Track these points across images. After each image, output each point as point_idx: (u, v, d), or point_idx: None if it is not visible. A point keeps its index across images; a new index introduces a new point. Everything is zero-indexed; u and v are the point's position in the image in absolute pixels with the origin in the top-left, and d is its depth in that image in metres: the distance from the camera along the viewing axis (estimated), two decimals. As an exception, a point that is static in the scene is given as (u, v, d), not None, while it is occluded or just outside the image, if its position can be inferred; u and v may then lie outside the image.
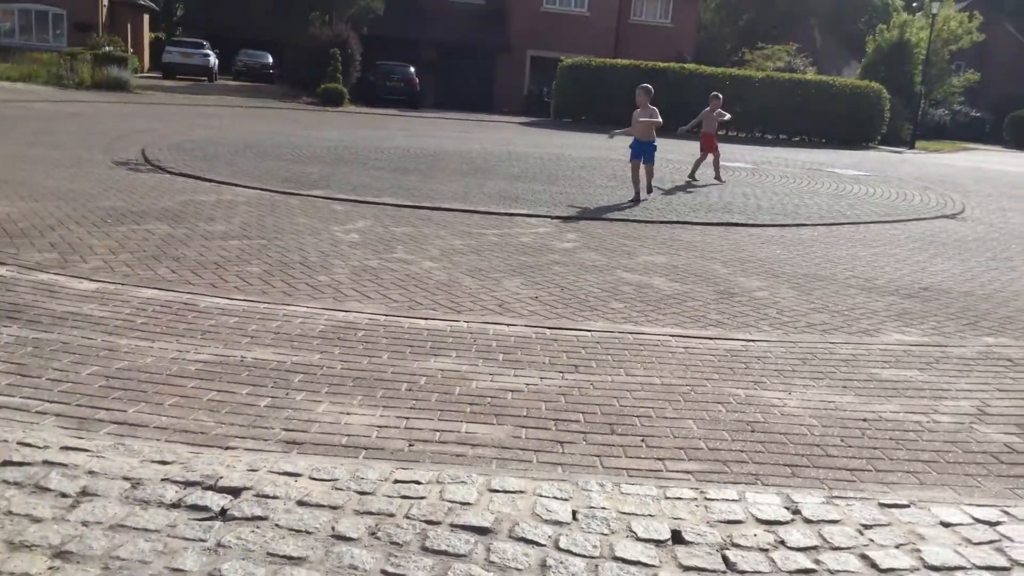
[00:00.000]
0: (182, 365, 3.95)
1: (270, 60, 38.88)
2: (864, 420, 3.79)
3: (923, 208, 12.40)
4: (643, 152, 11.23)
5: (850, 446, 3.48)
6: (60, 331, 4.30)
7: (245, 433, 3.25)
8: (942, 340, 5.35)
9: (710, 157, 14.21)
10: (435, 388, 3.87)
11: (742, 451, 3.37)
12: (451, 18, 38.88)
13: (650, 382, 4.14)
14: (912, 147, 32.22)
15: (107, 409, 3.38)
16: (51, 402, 3.41)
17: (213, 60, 35.35)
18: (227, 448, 3.09)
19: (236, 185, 10.11)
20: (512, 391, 3.90)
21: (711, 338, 5.03)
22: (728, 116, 14.89)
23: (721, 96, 14.68)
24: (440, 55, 38.16)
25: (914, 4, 51.03)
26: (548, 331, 4.94)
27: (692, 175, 14.00)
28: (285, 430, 3.31)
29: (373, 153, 14.75)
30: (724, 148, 22.08)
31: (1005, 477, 3.26)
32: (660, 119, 11.31)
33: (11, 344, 4.05)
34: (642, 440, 3.41)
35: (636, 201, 10.88)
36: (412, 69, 33.40)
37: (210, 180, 10.33)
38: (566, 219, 9.41)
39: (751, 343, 4.95)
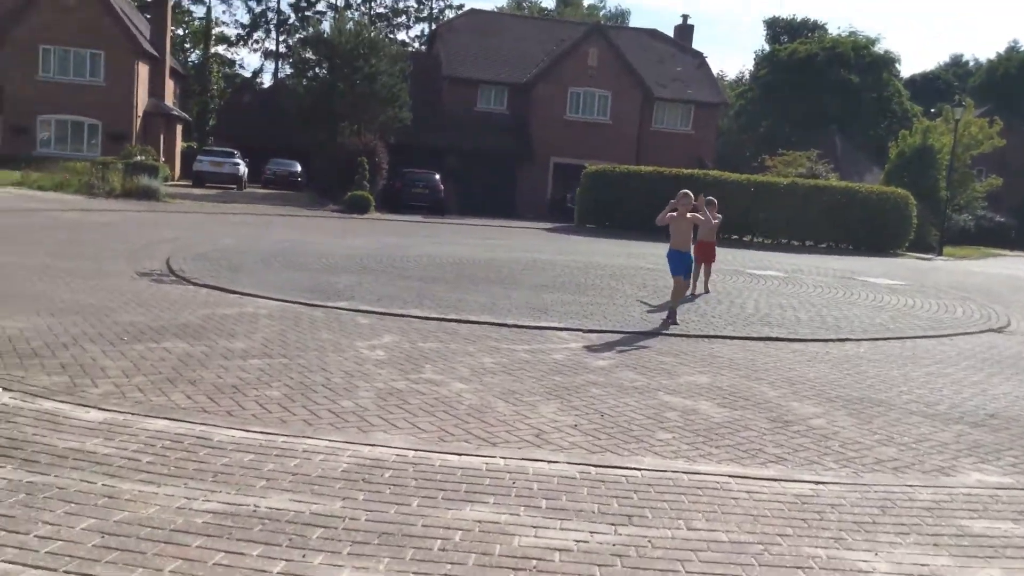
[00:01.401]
0: (188, 517, 3.52)
1: (299, 169, 39.64)
2: (969, 590, 3.27)
3: (967, 321, 11.91)
4: (684, 262, 10.00)
5: (962, 628, 2.96)
6: (58, 473, 3.90)
7: (255, 610, 2.80)
8: (1030, 481, 4.82)
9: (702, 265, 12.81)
10: (472, 547, 3.41)
11: (837, 637, 2.86)
12: (476, 126, 39.68)
13: (716, 539, 3.65)
14: (940, 253, 31.86)
15: (99, 576, 2.95)
16: (36, 567, 2.98)
17: (243, 169, 36.08)
18: (233, 632, 2.63)
19: (259, 297, 9.85)
20: (560, 550, 3.42)
21: (775, 479, 4.54)
22: (719, 218, 13.41)
23: (716, 201, 13.02)
24: (464, 162, 38.74)
25: (932, 111, 51.65)
26: (593, 470, 4.48)
27: (705, 288, 12.93)
28: (302, 606, 2.86)
29: (399, 262, 14.57)
30: (753, 255, 21.88)
31: None
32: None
33: (2, 490, 3.65)
34: (717, 620, 2.91)
35: (674, 321, 9.74)
36: (437, 176, 33.82)
37: (233, 292, 10.09)
38: (599, 332, 9.02)
39: (820, 487, 4.46)
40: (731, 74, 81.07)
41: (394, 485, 4.05)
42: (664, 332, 9.20)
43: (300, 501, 3.77)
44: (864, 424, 5.97)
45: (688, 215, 9.95)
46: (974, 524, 4.00)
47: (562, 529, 3.65)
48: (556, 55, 40.90)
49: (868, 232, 28.73)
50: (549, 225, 30.62)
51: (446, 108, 40.29)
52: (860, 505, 4.20)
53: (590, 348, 8.14)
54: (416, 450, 4.61)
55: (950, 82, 75.57)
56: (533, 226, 29.84)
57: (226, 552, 3.23)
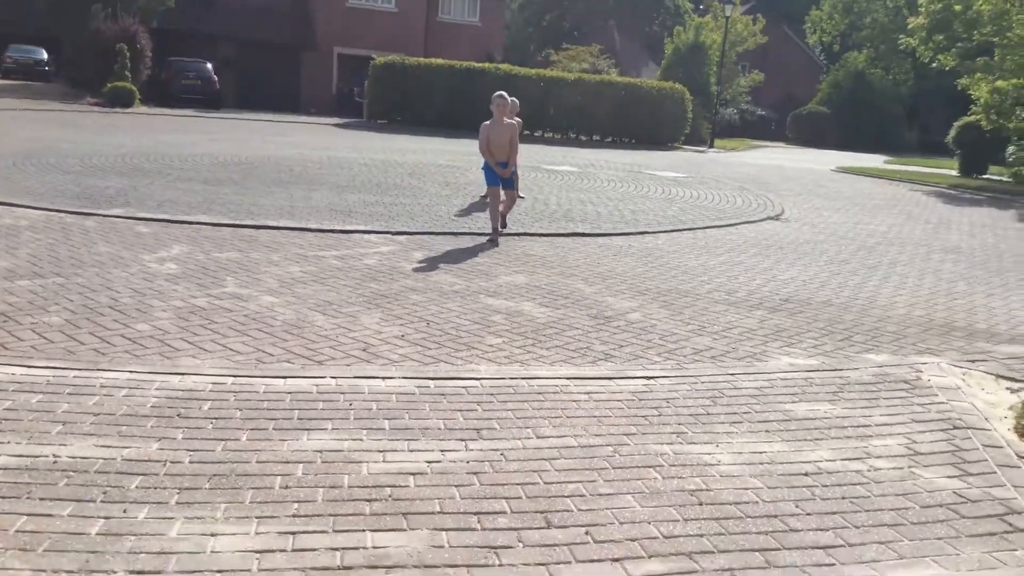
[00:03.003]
0: (-31, 479, 2.95)
1: (45, 56, 34.94)
2: (806, 475, 3.44)
3: (747, 210, 12.74)
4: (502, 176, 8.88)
5: (808, 513, 3.10)
6: None
7: (72, 584, 2.38)
8: (831, 362, 5.19)
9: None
10: (318, 480, 3.12)
11: (702, 536, 2.88)
12: (251, 13, 36.67)
13: (566, 445, 3.59)
14: (712, 146, 33.98)
15: None
16: None
17: (-25, 57, 31.31)
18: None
19: (16, 205, 8.60)
20: (413, 474, 3.22)
21: (609, 377, 4.56)
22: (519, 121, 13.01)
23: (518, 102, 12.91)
24: (240, 52, 35.84)
25: (701, 7, 54.11)
26: (431, 383, 4.27)
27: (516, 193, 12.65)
28: (132, 573, 2.46)
29: (176, 161, 13.30)
30: (542, 151, 22.13)
31: (978, 537, 2.99)
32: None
33: None
34: (587, 533, 2.85)
35: (494, 242, 8.59)
36: (210, 66, 31.09)
37: (-17, 200, 8.74)
38: (409, 234, 8.71)
39: (652, 382, 4.53)
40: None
41: (216, 419, 3.63)
42: (476, 232, 8.90)
43: (108, 446, 3.28)
44: (676, 315, 6.18)
45: (506, 120, 8.82)
46: (797, 408, 4.23)
47: (411, 451, 3.43)
48: (336, -64, 38.29)
49: (649, 126, 29.96)
50: (337, 120, 29.28)
51: (216, -9, 36.86)
52: (692, 397, 4.32)
53: (402, 251, 7.84)
54: (235, 376, 4.17)
55: (717, -20, 79.27)
56: (320, 121, 28.40)
57: (29, 515, 2.74)
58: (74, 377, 4.00)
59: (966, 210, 15.81)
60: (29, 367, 4.09)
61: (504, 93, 8.90)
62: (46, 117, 20.33)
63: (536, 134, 28.59)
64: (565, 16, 64.58)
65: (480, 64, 29.22)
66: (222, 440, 3.41)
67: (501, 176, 8.82)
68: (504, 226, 9.15)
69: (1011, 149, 21.84)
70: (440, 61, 28.80)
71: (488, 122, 8.83)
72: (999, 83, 20.41)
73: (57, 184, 10.13)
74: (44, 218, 8.14)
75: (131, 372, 4.12)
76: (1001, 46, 20.75)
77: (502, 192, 8.94)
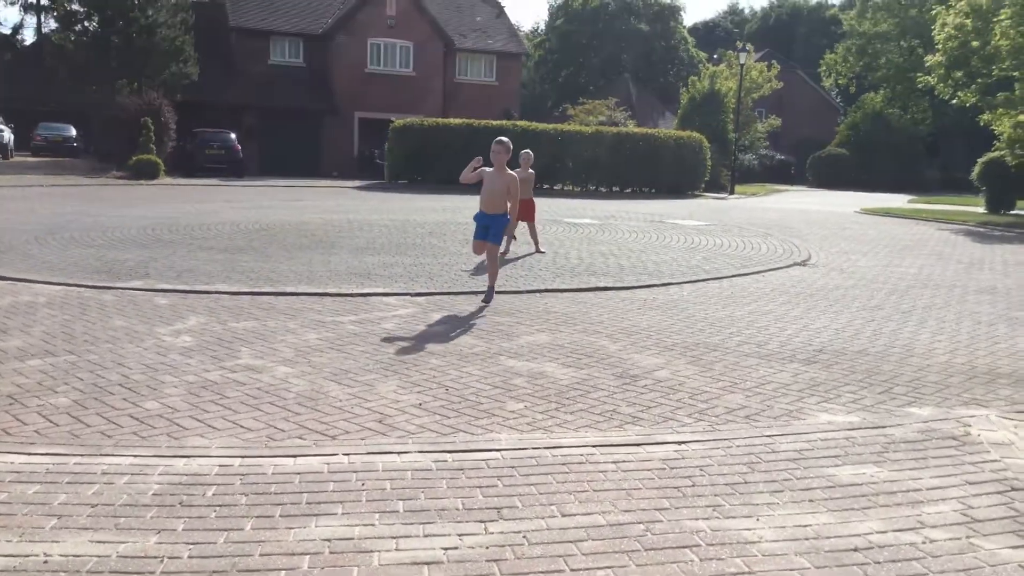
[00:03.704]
0: (-48, 586, 2.76)
1: (73, 133, 35.79)
2: (855, 550, 3.15)
3: (773, 257, 12.49)
4: (492, 228, 8.21)
5: (861, 596, 2.81)
6: None
7: None
8: (872, 418, 4.89)
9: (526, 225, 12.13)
10: (324, 575, 2.89)
11: (745, 628, 2.61)
12: (272, 81, 37.48)
13: (594, 524, 3.33)
14: (732, 192, 33.85)
15: None
16: None
17: (7, 135, 31.98)
18: None
19: (35, 282, 8.58)
20: (428, 563, 2.98)
21: (637, 444, 4.31)
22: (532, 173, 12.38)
23: (532, 154, 12.31)
24: (262, 120, 36.54)
25: (715, 57, 54.51)
26: (449, 456, 4.04)
27: (537, 248, 12.04)
28: None
29: (198, 231, 13.34)
30: (562, 204, 22.10)
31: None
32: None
33: None
34: (618, 628, 2.59)
35: (488, 300, 8.21)
36: (233, 135, 31.65)
37: (4, 278, 8.74)
38: (428, 295, 8.56)
39: (683, 447, 4.27)
40: (527, 25, 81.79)
41: (220, 506, 3.42)
42: (485, 302, 8.36)
43: (103, 542, 3.08)
44: (705, 371, 5.92)
45: (508, 171, 8.20)
46: (840, 472, 3.94)
47: (426, 536, 3.20)
48: (352, 4, 39.22)
49: (668, 175, 29.94)
50: (359, 183, 29.56)
51: (237, 62, 37.75)
52: (727, 463, 4.05)
53: (421, 313, 7.67)
54: (243, 457, 3.97)
55: (729, 29, 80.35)
56: (342, 184, 28.68)
57: (7, 627, 2.53)
58: (75, 464, 3.82)
59: (997, 248, 15.43)
60: (30, 454, 3.92)
61: (505, 139, 8.27)
62: (71, 192, 20.66)
63: (556, 187, 28.65)
64: (581, 71, 65.42)
65: (497, 122, 29.48)
66: (225, 531, 3.19)
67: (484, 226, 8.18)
68: (490, 297, 8.33)
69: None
70: (458, 120, 29.09)
71: (488, 168, 8.23)
72: (1021, 117, 20.14)
73: (77, 258, 10.14)
74: (62, 293, 8.09)
75: (135, 456, 3.94)
76: (1022, 80, 20.54)
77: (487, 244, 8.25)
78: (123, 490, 3.55)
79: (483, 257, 8.86)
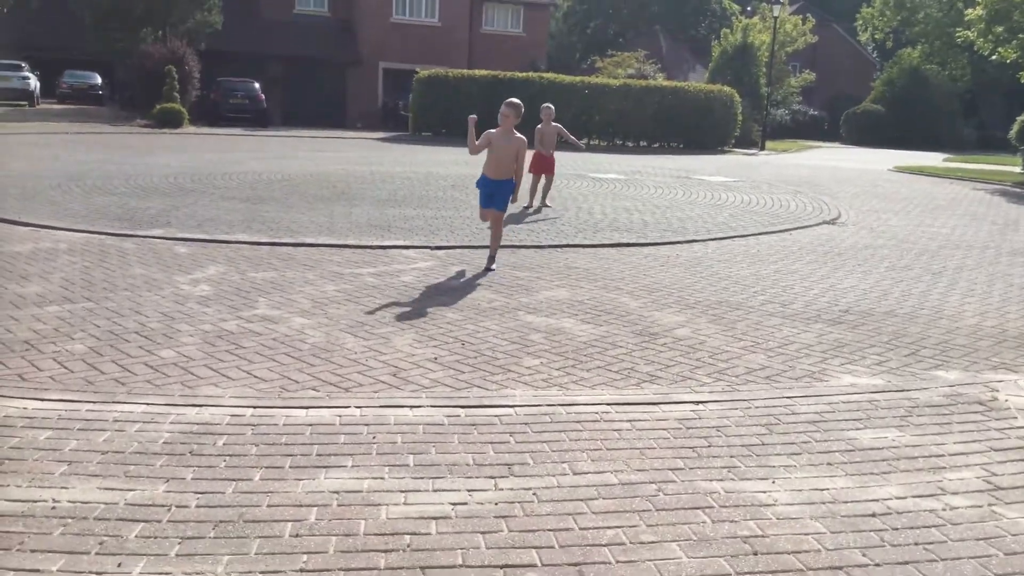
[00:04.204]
0: (-40, 529, 2.76)
1: (99, 80, 35.80)
2: (873, 515, 3.07)
3: (802, 215, 12.25)
4: (498, 194, 7.64)
5: (877, 564, 2.73)
6: None
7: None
8: (897, 381, 4.78)
9: (542, 179, 11.79)
10: (331, 527, 2.86)
11: (757, 593, 2.55)
12: (297, 31, 37.11)
13: (605, 483, 3.28)
14: (763, 148, 33.25)
15: None
16: None
17: (34, 83, 32.04)
18: None
19: (58, 228, 8.60)
20: (436, 519, 2.94)
21: (654, 403, 4.23)
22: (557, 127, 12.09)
23: (553, 108, 12.05)
24: (287, 70, 36.27)
25: (748, 9, 53.20)
26: (462, 412, 4.00)
27: (543, 201, 11.72)
28: (116, 643, 2.23)
29: (220, 180, 13.30)
30: (588, 158, 21.80)
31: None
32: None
33: None
34: (626, 590, 2.54)
35: (489, 266, 7.64)
36: (257, 85, 31.46)
37: (26, 224, 8.78)
38: (448, 248, 8.48)
39: (700, 407, 4.19)
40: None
41: (230, 455, 3.40)
42: (518, 244, 8.40)
43: (112, 489, 3.07)
44: (727, 330, 5.82)
45: (517, 135, 7.52)
46: (861, 436, 3.85)
47: (435, 491, 3.16)
48: (378, -48, 38.56)
49: (697, 130, 29.41)
50: (383, 134, 29.36)
51: (262, 11, 37.37)
52: (745, 425, 3.97)
53: (441, 267, 7.60)
54: (255, 407, 3.95)
55: (764, -19, 78.15)
56: (366, 136, 28.50)
57: (16, 571, 2.53)
58: (87, 411, 3.82)
59: (1035, 209, 15.05)
60: (43, 400, 3.93)
61: (515, 100, 7.62)
62: (95, 140, 20.69)
63: (581, 142, 28.28)
64: (609, 23, 64.20)
65: (523, 74, 29.04)
66: (233, 480, 3.17)
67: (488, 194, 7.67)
68: (492, 263, 7.71)
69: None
70: (483, 72, 28.69)
71: (494, 131, 7.56)
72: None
73: (100, 206, 10.15)
74: (83, 240, 8.10)
75: (147, 405, 3.93)
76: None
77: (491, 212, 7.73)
78: (134, 438, 3.54)
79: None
